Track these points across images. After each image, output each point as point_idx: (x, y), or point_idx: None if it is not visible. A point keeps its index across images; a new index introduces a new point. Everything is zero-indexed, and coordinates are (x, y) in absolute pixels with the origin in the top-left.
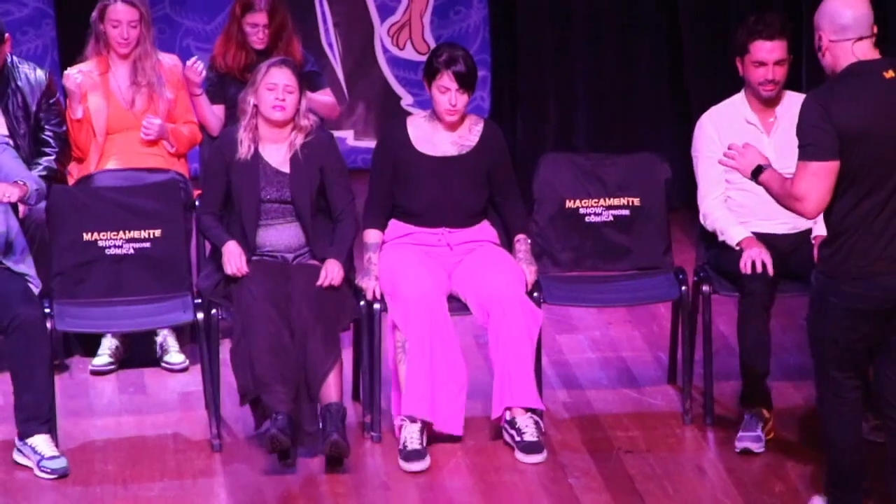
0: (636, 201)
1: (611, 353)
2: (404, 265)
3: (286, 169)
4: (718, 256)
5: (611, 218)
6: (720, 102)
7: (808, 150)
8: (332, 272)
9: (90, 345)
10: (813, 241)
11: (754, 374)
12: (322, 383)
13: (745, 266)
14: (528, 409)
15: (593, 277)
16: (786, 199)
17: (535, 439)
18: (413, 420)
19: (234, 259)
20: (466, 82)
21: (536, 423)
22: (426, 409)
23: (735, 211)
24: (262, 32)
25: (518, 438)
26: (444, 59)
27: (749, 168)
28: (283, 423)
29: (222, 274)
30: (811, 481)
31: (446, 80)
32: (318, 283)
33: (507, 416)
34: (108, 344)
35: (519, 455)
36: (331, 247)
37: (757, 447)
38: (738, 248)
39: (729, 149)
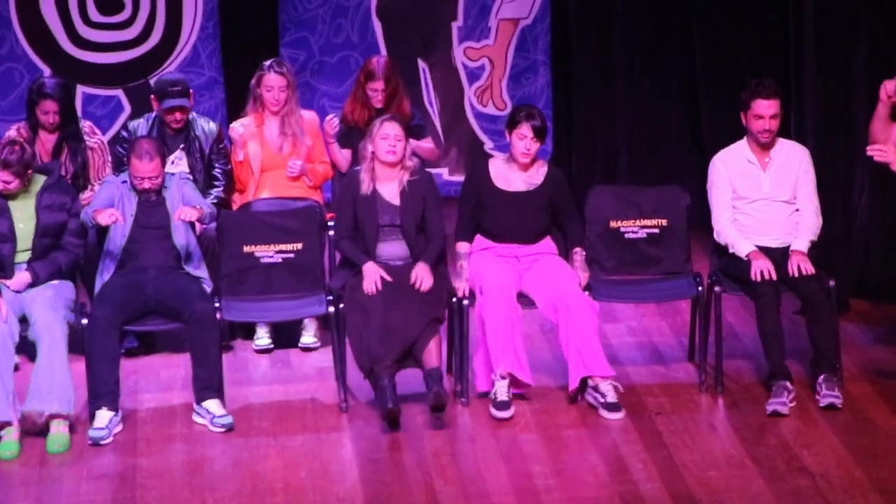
0: (664, 222)
1: (644, 338)
2: (486, 267)
3: (397, 201)
4: (728, 264)
5: (645, 235)
6: (728, 146)
7: None
8: (420, 273)
9: (249, 331)
10: (791, 253)
11: (776, 355)
12: (424, 352)
13: (755, 275)
14: (604, 377)
15: (631, 280)
16: None
17: (615, 401)
18: (503, 377)
19: (373, 277)
20: (540, 133)
21: (615, 387)
22: (513, 363)
23: (740, 229)
24: (381, 95)
25: (602, 400)
26: (525, 114)
27: None
28: (394, 393)
29: (349, 278)
30: (797, 434)
31: (525, 129)
32: (411, 282)
33: (591, 383)
34: (266, 330)
35: (603, 412)
36: (422, 255)
37: (784, 409)
38: (746, 258)
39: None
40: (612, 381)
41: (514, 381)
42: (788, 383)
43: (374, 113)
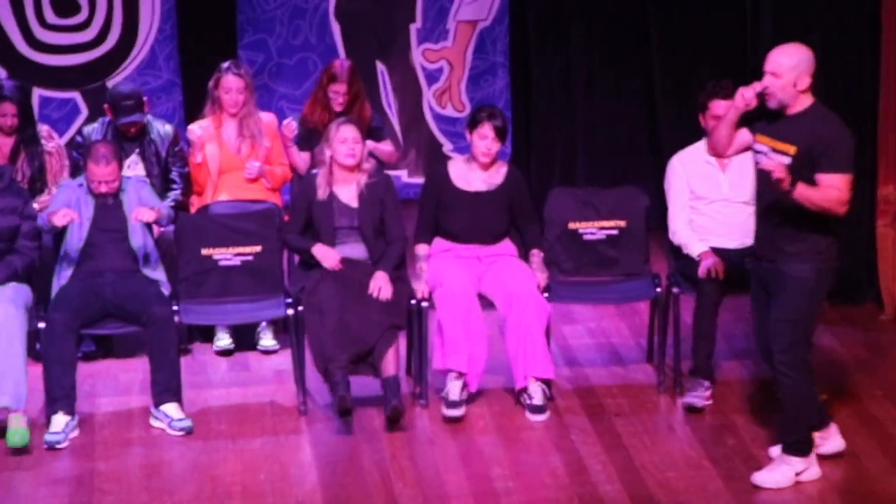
0: (622, 223)
1: (603, 340)
2: (445, 271)
3: (355, 204)
4: (685, 265)
5: (603, 236)
6: (686, 148)
7: (848, 165)
8: (379, 282)
9: (207, 333)
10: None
11: (702, 354)
12: (381, 360)
13: (702, 272)
14: (539, 379)
15: (590, 282)
16: (833, 204)
17: (540, 403)
18: (460, 375)
19: (327, 258)
20: (501, 134)
21: (544, 390)
22: (463, 364)
23: (697, 230)
24: (343, 98)
25: (528, 402)
26: (487, 115)
27: (787, 180)
28: (347, 387)
29: (306, 280)
30: (754, 436)
31: (486, 129)
32: (369, 292)
33: (524, 383)
34: (225, 332)
35: (528, 415)
36: (381, 261)
37: (700, 403)
38: (697, 258)
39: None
40: (543, 385)
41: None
42: (707, 382)
43: (334, 116)
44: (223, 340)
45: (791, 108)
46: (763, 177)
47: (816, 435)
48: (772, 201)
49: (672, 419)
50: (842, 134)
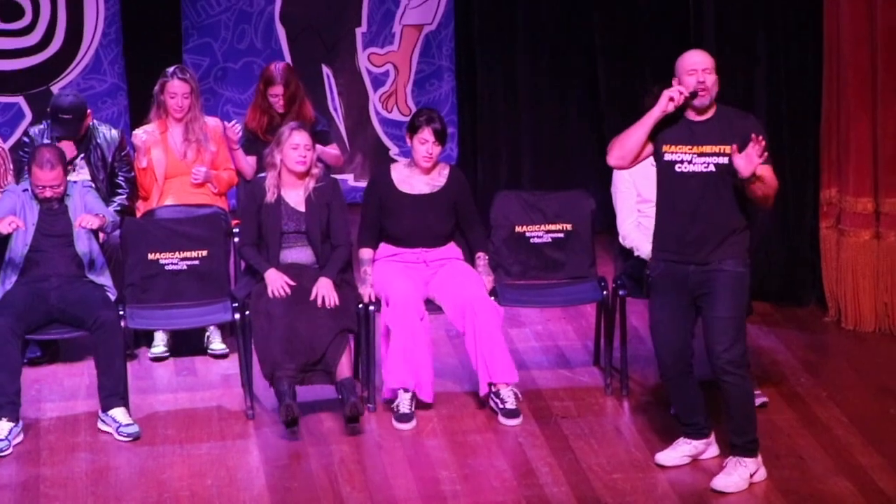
0: (569, 227)
1: (550, 343)
2: (392, 277)
3: (302, 208)
4: (633, 268)
5: (550, 239)
6: None
7: (770, 156)
8: (322, 290)
9: (152, 339)
10: None
11: None
12: (336, 364)
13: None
14: (507, 383)
15: (536, 285)
16: (773, 192)
17: (514, 407)
18: (406, 390)
19: (276, 283)
20: (441, 137)
21: (516, 394)
22: (410, 382)
23: (645, 233)
24: (281, 100)
25: (502, 406)
26: (425, 119)
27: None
28: (293, 397)
29: (253, 285)
30: None
31: (426, 133)
32: (312, 297)
33: (493, 388)
34: (162, 338)
35: (502, 419)
36: (325, 267)
37: None
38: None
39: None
40: (514, 387)
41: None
42: None
43: (276, 118)
44: (157, 348)
45: (706, 112)
46: (699, 178)
47: (703, 441)
48: (706, 202)
49: (619, 421)
50: (760, 126)
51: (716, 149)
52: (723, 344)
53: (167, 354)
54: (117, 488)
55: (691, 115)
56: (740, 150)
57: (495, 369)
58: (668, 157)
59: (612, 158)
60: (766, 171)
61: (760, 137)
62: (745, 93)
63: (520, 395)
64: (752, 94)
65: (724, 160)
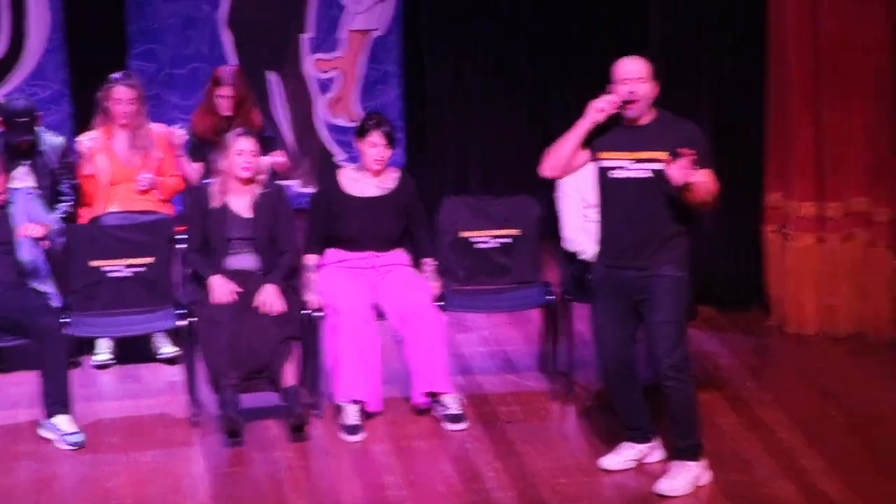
0: (515, 232)
1: (496, 347)
2: (339, 284)
3: (248, 214)
4: (578, 273)
5: (497, 245)
6: None
7: (711, 159)
8: (266, 298)
9: (94, 346)
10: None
11: None
12: (281, 372)
13: None
14: (439, 394)
15: (483, 290)
16: (711, 194)
17: (459, 412)
18: (354, 402)
19: (221, 290)
20: (390, 140)
21: (460, 400)
22: (361, 393)
23: (588, 237)
24: (230, 102)
25: (446, 412)
26: (374, 122)
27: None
28: (236, 407)
29: (199, 291)
30: None
31: (376, 137)
32: (254, 304)
33: (431, 398)
34: (107, 345)
35: (446, 424)
36: (270, 274)
37: None
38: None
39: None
40: (459, 393)
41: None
42: None
43: (223, 122)
44: (102, 355)
45: (643, 118)
46: (634, 185)
47: (647, 445)
48: (643, 208)
49: (565, 426)
50: (699, 132)
51: (652, 155)
52: (664, 349)
53: (113, 361)
54: (61, 497)
55: (629, 122)
56: (672, 157)
57: (434, 379)
58: (603, 163)
59: (546, 169)
60: (703, 177)
61: (689, 151)
62: (689, 98)
63: (464, 401)
64: (697, 98)
65: (661, 166)
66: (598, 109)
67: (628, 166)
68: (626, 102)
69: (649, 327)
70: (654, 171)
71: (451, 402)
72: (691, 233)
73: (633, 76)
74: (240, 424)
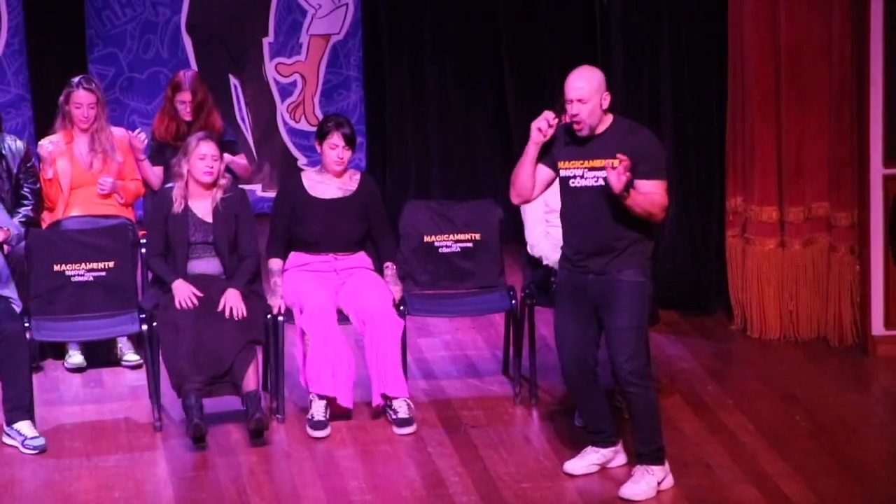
0: (477, 236)
1: (459, 352)
2: (304, 286)
3: (209, 218)
4: (541, 277)
5: (458, 249)
6: None
7: (664, 172)
8: (230, 301)
9: (59, 350)
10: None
11: None
12: (243, 376)
13: None
14: (394, 397)
15: (445, 294)
16: (657, 209)
17: (407, 416)
18: (321, 397)
19: (183, 294)
20: (350, 141)
21: (409, 404)
22: (330, 388)
23: (553, 242)
24: (189, 107)
25: (394, 416)
26: (334, 124)
27: (624, 182)
28: (200, 411)
29: (161, 296)
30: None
31: (336, 138)
32: (219, 308)
33: (385, 401)
34: (77, 349)
35: (395, 429)
36: (233, 278)
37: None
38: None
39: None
40: (406, 399)
41: (333, 405)
42: None
43: (183, 126)
44: (75, 357)
45: (599, 127)
46: (590, 192)
47: (611, 450)
48: (600, 215)
49: (528, 430)
50: (654, 142)
51: (604, 163)
52: (624, 354)
53: (84, 365)
54: (22, 502)
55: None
56: (631, 165)
57: (388, 382)
58: (563, 172)
59: (514, 198)
60: (648, 187)
61: (622, 156)
62: (650, 103)
63: (412, 406)
64: (657, 103)
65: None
66: (539, 129)
67: (583, 175)
68: (573, 121)
69: (609, 333)
70: (605, 179)
71: (400, 406)
72: (651, 238)
73: (575, 96)
74: (204, 429)
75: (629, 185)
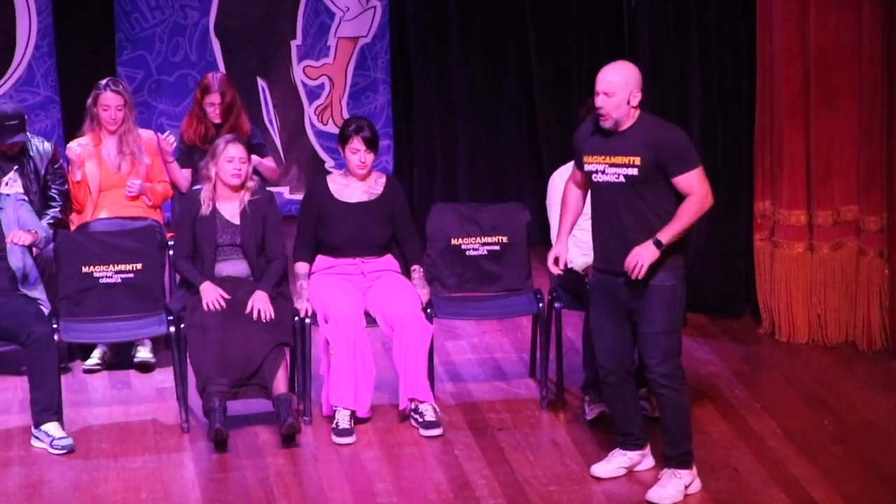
0: (504, 239)
1: (486, 355)
2: (330, 292)
3: (237, 220)
4: (568, 280)
5: (486, 252)
6: (566, 163)
7: (695, 160)
8: (258, 304)
9: (87, 352)
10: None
11: (593, 368)
12: (273, 379)
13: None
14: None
15: (472, 297)
16: (698, 209)
17: (433, 419)
18: (345, 408)
19: (211, 296)
20: (372, 144)
21: (434, 408)
22: (351, 401)
23: (580, 245)
24: (218, 109)
25: (421, 420)
26: (354, 128)
27: (649, 256)
28: (223, 415)
29: (188, 297)
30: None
31: (356, 143)
32: (247, 310)
33: (412, 405)
34: (98, 351)
35: (422, 431)
36: (260, 280)
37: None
38: (583, 272)
39: (630, 270)
40: (432, 404)
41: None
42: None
43: (212, 129)
44: (92, 359)
45: (622, 125)
46: (612, 189)
47: (638, 453)
48: (621, 213)
49: (555, 433)
50: (679, 134)
51: (626, 160)
52: (656, 358)
53: (100, 367)
54: (51, 502)
55: (620, 126)
56: (647, 163)
57: (415, 387)
58: (587, 167)
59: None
60: (683, 183)
61: (628, 266)
62: (678, 104)
63: (438, 410)
64: (685, 105)
65: (634, 171)
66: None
67: (605, 170)
68: (598, 112)
69: (641, 336)
70: (625, 176)
71: (427, 410)
72: (684, 239)
73: (602, 89)
74: (225, 434)
75: (657, 244)
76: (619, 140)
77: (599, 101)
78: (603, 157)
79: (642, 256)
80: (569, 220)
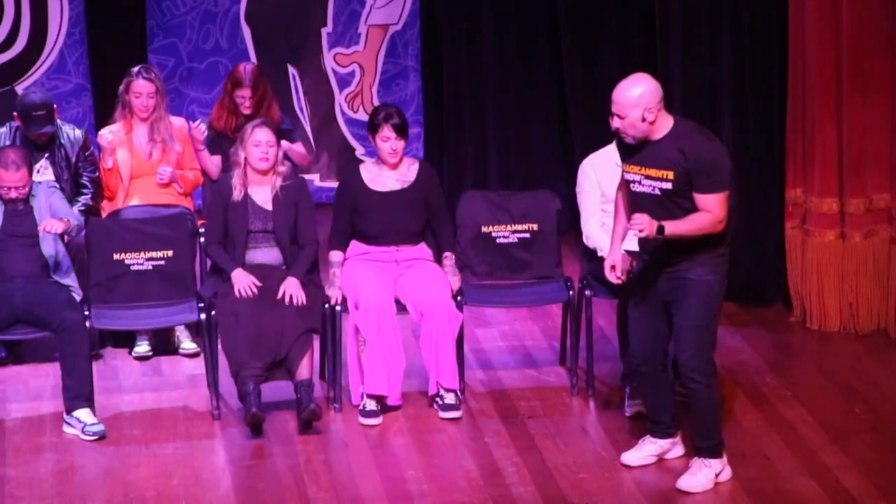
0: (535, 227)
1: (516, 342)
2: (362, 279)
3: (269, 206)
4: (598, 268)
5: (516, 240)
6: (597, 151)
7: (721, 184)
8: (289, 289)
9: (119, 338)
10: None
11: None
12: (297, 365)
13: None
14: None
15: (503, 285)
16: (708, 227)
17: (453, 402)
18: (374, 396)
19: (243, 283)
20: (401, 131)
21: (455, 393)
22: (383, 388)
23: (607, 233)
24: (249, 102)
25: (441, 403)
26: (383, 116)
27: (654, 229)
28: (258, 398)
29: (220, 284)
30: None
31: (387, 131)
32: (279, 296)
33: (438, 390)
34: (145, 338)
35: (441, 413)
36: (292, 266)
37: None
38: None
39: (631, 221)
40: (457, 391)
41: (383, 400)
42: None
43: (242, 120)
44: (142, 346)
45: (653, 136)
46: (650, 200)
47: (669, 441)
48: (667, 212)
49: (585, 421)
50: (714, 150)
51: (658, 173)
52: (688, 352)
53: (150, 354)
54: (83, 488)
55: (649, 137)
56: (679, 177)
57: (442, 373)
58: (625, 175)
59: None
60: (700, 202)
61: (633, 222)
62: (709, 93)
63: (460, 396)
64: (716, 94)
65: (668, 185)
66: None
67: (641, 181)
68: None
69: (676, 329)
70: (661, 190)
71: (447, 394)
72: (722, 237)
73: (613, 110)
74: (262, 418)
75: (660, 229)
76: (652, 150)
77: (615, 122)
78: (639, 168)
79: (647, 225)
80: (621, 227)
